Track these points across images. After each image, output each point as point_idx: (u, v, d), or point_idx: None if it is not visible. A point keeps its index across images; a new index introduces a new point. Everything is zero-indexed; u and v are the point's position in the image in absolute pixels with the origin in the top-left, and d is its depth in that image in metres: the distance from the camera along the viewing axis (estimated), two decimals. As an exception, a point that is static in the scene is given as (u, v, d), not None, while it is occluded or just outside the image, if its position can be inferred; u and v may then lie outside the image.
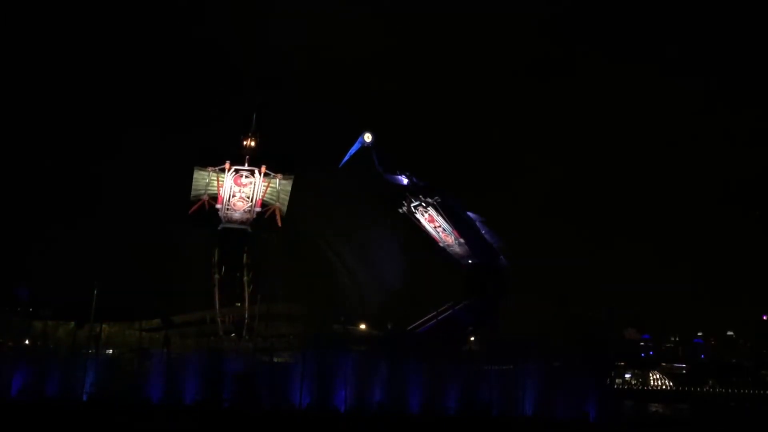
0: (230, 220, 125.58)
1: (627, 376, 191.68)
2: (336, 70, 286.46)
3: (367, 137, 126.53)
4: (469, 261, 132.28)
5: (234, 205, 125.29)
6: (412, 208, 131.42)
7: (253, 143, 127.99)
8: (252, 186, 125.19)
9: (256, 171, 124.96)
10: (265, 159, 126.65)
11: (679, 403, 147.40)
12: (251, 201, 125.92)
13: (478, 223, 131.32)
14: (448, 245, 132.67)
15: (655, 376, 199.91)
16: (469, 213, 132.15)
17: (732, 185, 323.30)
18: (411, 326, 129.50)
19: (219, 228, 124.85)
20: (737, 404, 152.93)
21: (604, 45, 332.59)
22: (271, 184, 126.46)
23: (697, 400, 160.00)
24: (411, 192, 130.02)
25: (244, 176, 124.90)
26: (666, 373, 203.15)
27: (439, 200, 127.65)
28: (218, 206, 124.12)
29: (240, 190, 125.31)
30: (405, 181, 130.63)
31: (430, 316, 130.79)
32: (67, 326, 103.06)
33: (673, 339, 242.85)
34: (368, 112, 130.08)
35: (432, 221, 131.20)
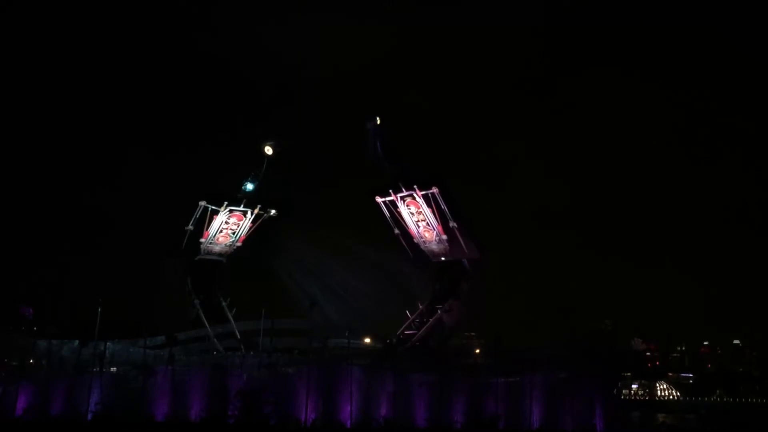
0: (209, 252, 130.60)
1: (634, 386, 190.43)
2: (342, 78, 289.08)
3: (377, 120, 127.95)
4: (442, 258, 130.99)
5: (217, 239, 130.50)
6: (398, 199, 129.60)
7: (251, 186, 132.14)
8: (240, 224, 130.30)
9: (249, 212, 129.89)
10: (260, 199, 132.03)
11: (687, 414, 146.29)
12: (235, 236, 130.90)
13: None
14: (425, 241, 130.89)
15: (662, 387, 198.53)
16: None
17: (738, 195, 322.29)
18: (398, 331, 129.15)
19: (196, 259, 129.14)
20: (745, 414, 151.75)
21: (611, 55, 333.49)
22: (260, 223, 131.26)
23: (705, 410, 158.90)
24: (405, 182, 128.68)
25: (236, 215, 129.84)
26: (673, 383, 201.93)
27: (438, 192, 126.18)
28: (202, 240, 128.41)
29: (228, 227, 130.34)
30: (401, 169, 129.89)
31: (412, 320, 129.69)
32: (71, 345, 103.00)
33: (679, 349, 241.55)
34: (371, 112, 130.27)
35: (418, 214, 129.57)
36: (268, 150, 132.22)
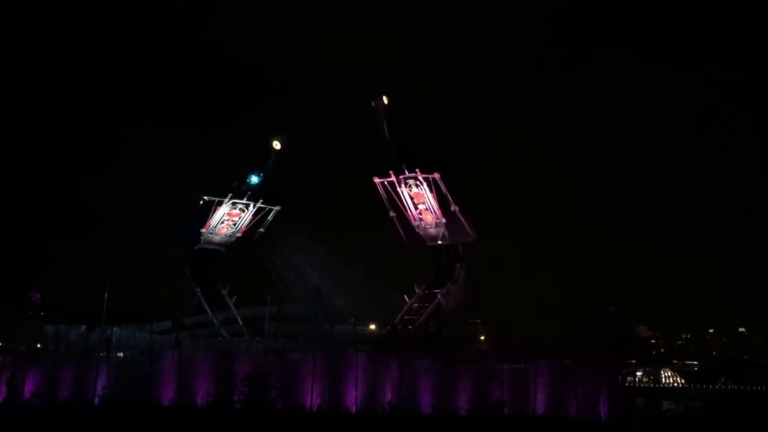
0: (209, 242, 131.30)
1: (638, 373, 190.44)
2: (342, 78, 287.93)
3: (384, 99, 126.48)
4: (439, 242, 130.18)
5: (219, 230, 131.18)
6: (400, 180, 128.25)
7: (257, 179, 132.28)
8: (242, 216, 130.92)
9: (251, 205, 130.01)
10: (264, 192, 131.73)
11: (692, 401, 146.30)
12: (236, 227, 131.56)
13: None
14: (423, 224, 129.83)
15: (666, 374, 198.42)
16: None
17: (746, 185, 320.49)
18: (398, 317, 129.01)
19: (195, 248, 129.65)
20: (750, 401, 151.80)
21: (621, 42, 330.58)
22: (261, 216, 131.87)
23: (710, 398, 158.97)
24: (408, 163, 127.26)
25: (238, 208, 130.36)
26: (678, 371, 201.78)
27: (440, 177, 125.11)
28: (203, 230, 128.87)
29: (230, 218, 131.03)
30: (406, 150, 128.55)
31: (410, 304, 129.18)
32: (78, 330, 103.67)
33: (684, 336, 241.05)
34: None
35: (418, 196, 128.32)
36: (276, 144, 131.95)
